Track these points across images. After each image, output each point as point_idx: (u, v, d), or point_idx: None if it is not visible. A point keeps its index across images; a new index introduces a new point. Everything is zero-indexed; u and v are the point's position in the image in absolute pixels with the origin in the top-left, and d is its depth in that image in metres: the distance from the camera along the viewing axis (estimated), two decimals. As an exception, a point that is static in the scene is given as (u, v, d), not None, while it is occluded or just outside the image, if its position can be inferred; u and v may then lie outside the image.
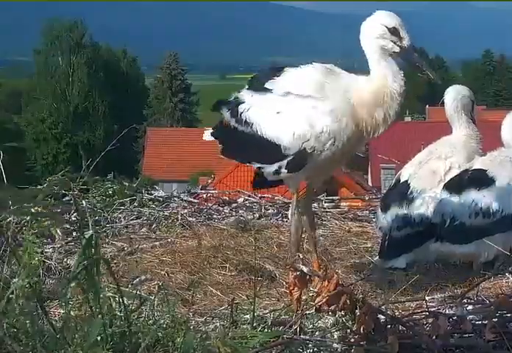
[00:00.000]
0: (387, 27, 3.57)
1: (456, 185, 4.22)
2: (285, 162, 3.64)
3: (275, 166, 3.68)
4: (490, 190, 4.15)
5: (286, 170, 3.65)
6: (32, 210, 2.82)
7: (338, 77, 3.66)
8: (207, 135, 4.08)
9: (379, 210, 4.64)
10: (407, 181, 4.48)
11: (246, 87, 3.88)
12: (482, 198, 4.13)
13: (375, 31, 3.58)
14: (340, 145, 3.57)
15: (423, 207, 4.34)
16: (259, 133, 3.69)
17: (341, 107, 3.55)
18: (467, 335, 2.82)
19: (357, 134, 3.62)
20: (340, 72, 3.71)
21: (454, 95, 4.57)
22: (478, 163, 4.31)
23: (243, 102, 3.80)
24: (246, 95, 3.83)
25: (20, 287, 2.52)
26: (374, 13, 3.67)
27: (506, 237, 4.14)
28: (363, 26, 3.65)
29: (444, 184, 4.30)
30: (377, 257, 4.43)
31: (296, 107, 3.61)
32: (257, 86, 3.80)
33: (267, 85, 3.73)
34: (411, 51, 3.61)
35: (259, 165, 3.75)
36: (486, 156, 4.41)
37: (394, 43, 3.57)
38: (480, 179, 4.19)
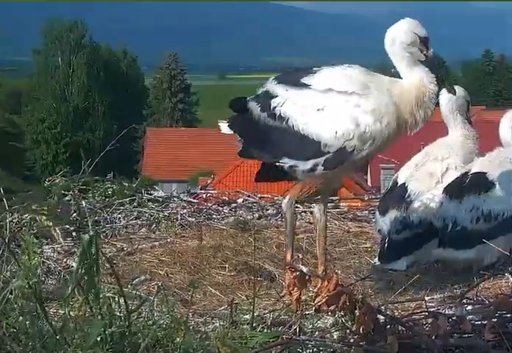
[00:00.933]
0: (419, 36, 3.70)
1: (456, 190, 4.22)
2: (322, 159, 3.58)
3: (310, 163, 3.61)
4: (490, 194, 4.15)
5: (322, 168, 3.60)
6: (33, 207, 2.82)
7: (378, 78, 3.70)
8: (225, 128, 3.94)
9: (378, 213, 4.64)
10: (404, 183, 4.47)
11: (275, 82, 3.76)
12: (482, 202, 4.13)
13: (407, 39, 3.70)
14: (379, 144, 3.59)
15: (421, 210, 4.34)
16: (295, 129, 3.61)
17: (385, 106, 3.58)
18: (467, 335, 2.82)
19: (397, 133, 3.65)
20: (378, 74, 3.76)
21: (448, 96, 4.56)
22: (477, 165, 4.31)
23: (277, 96, 3.70)
24: (278, 89, 3.72)
25: (19, 287, 2.51)
26: (402, 20, 3.79)
27: (508, 239, 4.14)
28: (393, 33, 3.74)
29: (444, 189, 4.29)
30: (377, 260, 4.43)
31: (339, 104, 3.57)
32: (292, 81, 3.71)
33: (304, 80, 3.66)
34: (433, 61, 3.79)
35: (292, 163, 3.66)
36: (485, 157, 4.40)
37: (421, 51, 3.73)
38: (479, 183, 4.18)
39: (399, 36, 3.72)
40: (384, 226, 4.47)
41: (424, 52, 3.72)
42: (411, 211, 4.35)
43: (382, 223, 4.48)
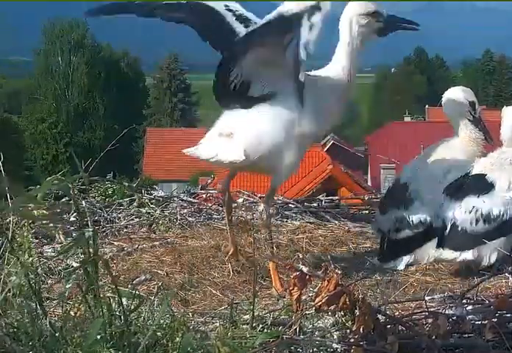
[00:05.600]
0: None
1: (456, 191, 4.22)
2: None
3: None
4: (490, 196, 4.15)
5: None
6: (35, 213, 2.80)
7: None
8: None
9: (378, 212, 4.65)
10: (405, 183, 4.48)
11: None
12: (482, 204, 4.13)
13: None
14: None
15: (422, 209, 4.34)
16: None
17: None
18: (467, 335, 2.82)
19: None
20: None
21: (448, 99, 4.55)
22: (477, 167, 4.31)
23: None
24: None
25: (17, 285, 2.51)
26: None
27: (507, 240, 4.14)
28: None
29: (444, 190, 4.29)
30: (376, 259, 4.44)
31: None
32: None
33: None
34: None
35: None
36: (486, 158, 4.39)
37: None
38: (479, 185, 4.19)
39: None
40: (384, 225, 4.48)
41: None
42: (411, 210, 4.36)
43: (382, 222, 4.50)
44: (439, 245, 4.19)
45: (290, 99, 3.85)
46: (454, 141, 4.56)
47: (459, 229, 4.14)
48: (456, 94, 4.56)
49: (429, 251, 4.28)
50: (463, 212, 4.15)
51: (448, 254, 4.15)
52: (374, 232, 4.78)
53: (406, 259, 4.34)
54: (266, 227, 4.07)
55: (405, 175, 4.55)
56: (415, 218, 4.34)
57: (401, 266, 4.32)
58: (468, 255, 4.12)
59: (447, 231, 4.16)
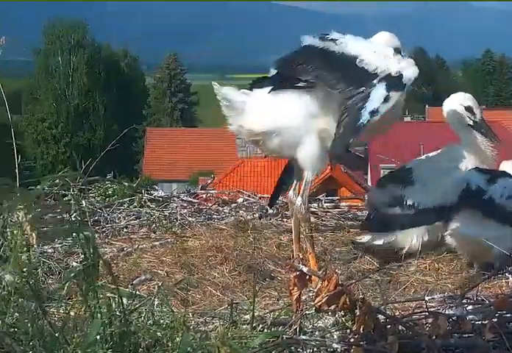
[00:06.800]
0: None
1: (485, 175, 4.20)
2: None
3: None
4: None
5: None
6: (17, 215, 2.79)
7: None
8: None
9: (375, 187, 4.66)
10: (410, 168, 4.50)
11: None
12: None
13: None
14: None
15: (420, 193, 4.33)
16: None
17: None
18: (467, 335, 2.82)
19: None
20: None
21: (446, 108, 4.55)
22: None
23: None
24: None
25: (11, 283, 2.51)
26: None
27: None
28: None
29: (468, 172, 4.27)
30: (359, 237, 4.46)
31: None
32: None
33: None
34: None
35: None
36: None
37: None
38: (508, 175, 4.23)
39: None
40: (377, 199, 4.48)
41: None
42: (409, 191, 4.35)
43: (376, 196, 4.51)
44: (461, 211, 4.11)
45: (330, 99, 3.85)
46: (460, 147, 4.51)
47: (488, 197, 4.07)
48: (451, 101, 4.55)
49: (413, 237, 4.26)
50: (495, 185, 4.10)
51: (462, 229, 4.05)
52: (365, 206, 4.80)
53: (386, 237, 4.31)
54: (306, 221, 4.04)
55: (411, 163, 4.58)
56: (409, 199, 4.33)
57: (379, 241, 4.31)
58: (488, 231, 3.98)
59: (475, 196, 4.06)
